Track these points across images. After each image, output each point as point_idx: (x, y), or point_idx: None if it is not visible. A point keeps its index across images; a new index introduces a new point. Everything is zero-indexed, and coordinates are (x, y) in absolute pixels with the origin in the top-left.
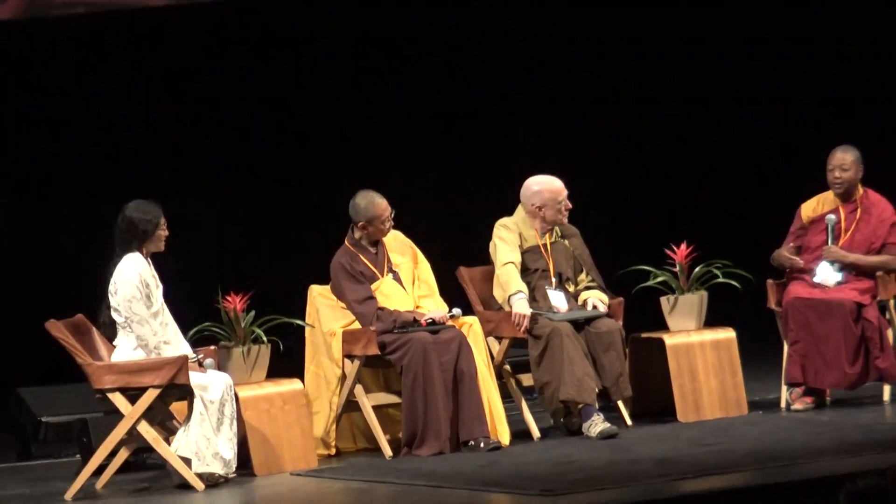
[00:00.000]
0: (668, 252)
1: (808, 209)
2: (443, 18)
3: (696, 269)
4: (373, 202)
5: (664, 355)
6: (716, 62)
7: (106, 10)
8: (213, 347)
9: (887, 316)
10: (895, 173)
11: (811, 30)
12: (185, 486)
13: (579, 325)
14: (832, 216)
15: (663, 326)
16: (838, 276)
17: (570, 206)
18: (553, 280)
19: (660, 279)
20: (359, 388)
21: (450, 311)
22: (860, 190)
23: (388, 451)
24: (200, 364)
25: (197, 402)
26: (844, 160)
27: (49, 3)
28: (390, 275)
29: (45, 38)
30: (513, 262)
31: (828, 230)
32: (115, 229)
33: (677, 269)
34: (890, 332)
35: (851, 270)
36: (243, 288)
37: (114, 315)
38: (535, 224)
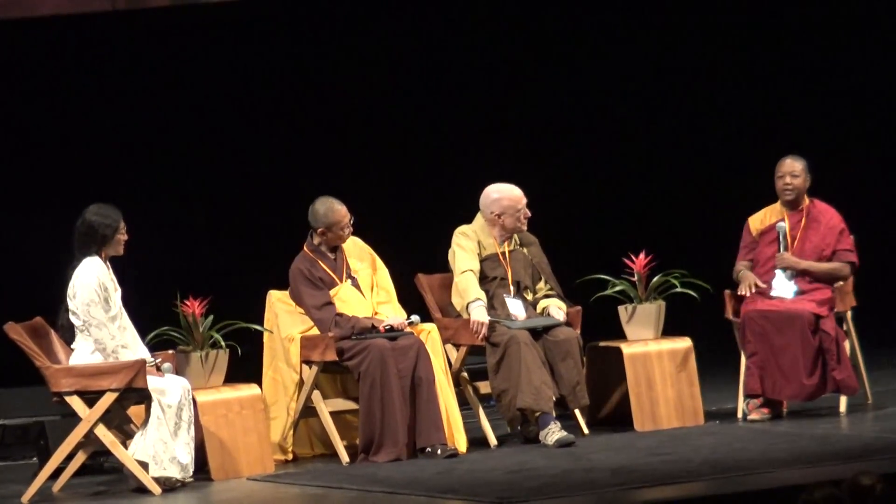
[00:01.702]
0: (627, 261)
1: (756, 222)
2: (399, 25)
3: (654, 279)
4: (332, 208)
5: (621, 364)
6: (670, 73)
7: (65, 13)
8: (171, 352)
9: (844, 328)
10: (841, 184)
11: (761, 42)
12: (142, 490)
13: (537, 333)
14: (783, 224)
15: (621, 335)
16: (794, 286)
17: (530, 214)
18: (511, 288)
19: (618, 288)
20: (316, 394)
21: (408, 317)
22: (806, 199)
23: (344, 457)
24: (158, 368)
25: (154, 407)
26: (794, 167)
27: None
28: (349, 281)
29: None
30: (471, 270)
31: (779, 238)
32: (74, 232)
33: (635, 278)
34: (847, 344)
35: (804, 277)
36: (202, 292)
37: (72, 318)
38: (493, 232)
